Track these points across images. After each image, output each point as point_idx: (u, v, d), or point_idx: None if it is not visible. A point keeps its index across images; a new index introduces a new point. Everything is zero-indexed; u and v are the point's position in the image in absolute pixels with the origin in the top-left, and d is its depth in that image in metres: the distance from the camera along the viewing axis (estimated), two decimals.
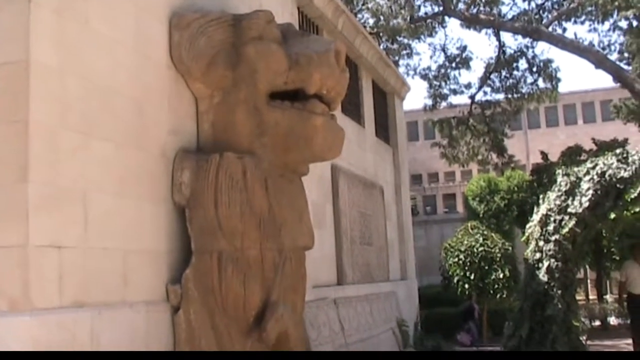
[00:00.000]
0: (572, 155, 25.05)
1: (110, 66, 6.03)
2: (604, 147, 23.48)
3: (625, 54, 33.38)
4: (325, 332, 10.33)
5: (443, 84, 31.98)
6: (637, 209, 14.13)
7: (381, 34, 29.80)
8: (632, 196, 14.06)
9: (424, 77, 31.99)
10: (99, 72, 5.88)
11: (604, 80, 79.63)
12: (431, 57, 47.06)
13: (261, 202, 6.73)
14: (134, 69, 6.34)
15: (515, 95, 31.74)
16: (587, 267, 27.63)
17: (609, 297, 23.88)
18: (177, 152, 6.77)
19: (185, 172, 6.64)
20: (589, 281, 33.83)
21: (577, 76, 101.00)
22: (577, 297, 19.69)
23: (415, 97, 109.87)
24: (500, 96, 32.20)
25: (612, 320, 20.89)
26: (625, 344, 15.58)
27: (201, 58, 6.88)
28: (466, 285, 18.32)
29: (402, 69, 30.71)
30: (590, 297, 32.25)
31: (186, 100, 7.10)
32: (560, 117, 59.28)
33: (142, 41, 6.53)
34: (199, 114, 7.19)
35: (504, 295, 18.19)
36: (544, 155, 27.45)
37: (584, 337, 15.41)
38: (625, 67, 31.04)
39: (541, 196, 15.49)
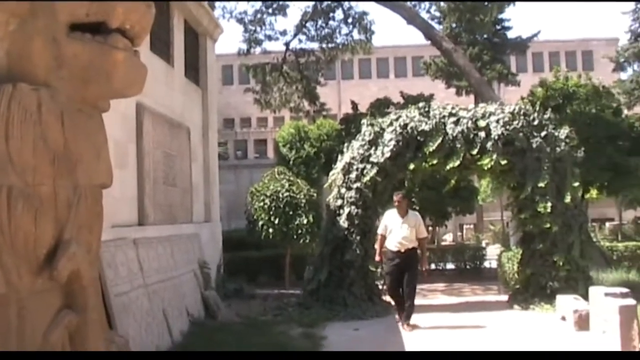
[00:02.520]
0: (381, 107, 25.83)
1: None
2: (410, 101, 24.31)
3: (437, 13, 34.58)
4: (123, 273, 10.20)
5: (258, 29, 32.03)
6: (434, 161, 14.84)
7: None
8: (431, 149, 14.75)
9: (240, 20, 31.87)
10: None
11: (416, 37, 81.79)
12: (248, 1, 46.88)
13: (56, 137, 6.49)
14: None
15: (329, 45, 32.35)
16: None
17: None
18: None
19: None
20: None
21: (392, 31, 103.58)
22: None
23: (233, 41, 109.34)
24: (315, 45, 32.77)
25: None
26: (420, 289, 16.23)
27: None
28: (270, 230, 18.56)
29: (218, 12, 30.44)
30: None
31: None
32: (373, 69, 61.03)
33: None
34: None
35: (307, 241, 18.56)
36: (354, 105, 28.15)
37: (381, 282, 16.04)
38: (437, 26, 32.12)
39: (346, 145, 15.94)
